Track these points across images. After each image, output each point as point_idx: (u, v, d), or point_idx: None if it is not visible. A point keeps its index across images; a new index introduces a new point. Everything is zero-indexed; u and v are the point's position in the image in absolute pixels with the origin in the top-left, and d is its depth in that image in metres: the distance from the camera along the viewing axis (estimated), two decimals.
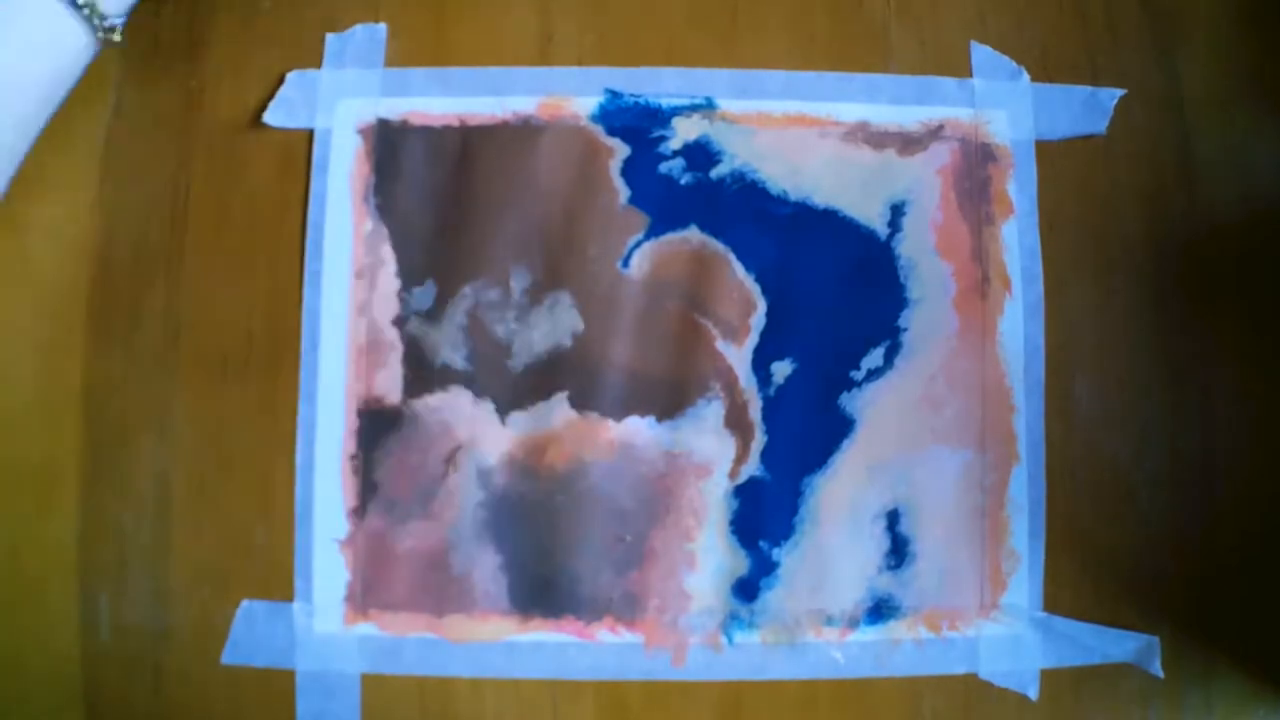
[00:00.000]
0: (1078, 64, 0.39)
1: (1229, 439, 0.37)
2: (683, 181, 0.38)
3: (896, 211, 0.38)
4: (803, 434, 0.37)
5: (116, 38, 0.34)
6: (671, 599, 0.36)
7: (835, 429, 0.37)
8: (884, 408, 0.37)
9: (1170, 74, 0.39)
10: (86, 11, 0.33)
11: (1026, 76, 0.39)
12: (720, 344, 0.37)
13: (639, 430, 0.36)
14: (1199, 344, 0.37)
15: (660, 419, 0.37)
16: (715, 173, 0.38)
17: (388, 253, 0.37)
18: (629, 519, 0.36)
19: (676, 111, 0.38)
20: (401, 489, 0.36)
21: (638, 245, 0.37)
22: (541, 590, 0.36)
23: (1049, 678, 0.36)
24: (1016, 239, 0.38)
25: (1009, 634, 0.36)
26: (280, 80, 0.38)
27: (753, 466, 0.36)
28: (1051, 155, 0.38)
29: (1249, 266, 0.38)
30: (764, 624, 0.36)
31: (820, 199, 0.38)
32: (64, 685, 0.35)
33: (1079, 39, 0.39)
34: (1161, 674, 0.35)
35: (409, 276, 0.37)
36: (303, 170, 0.38)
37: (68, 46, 0.34)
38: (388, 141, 0.38)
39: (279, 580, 0.36)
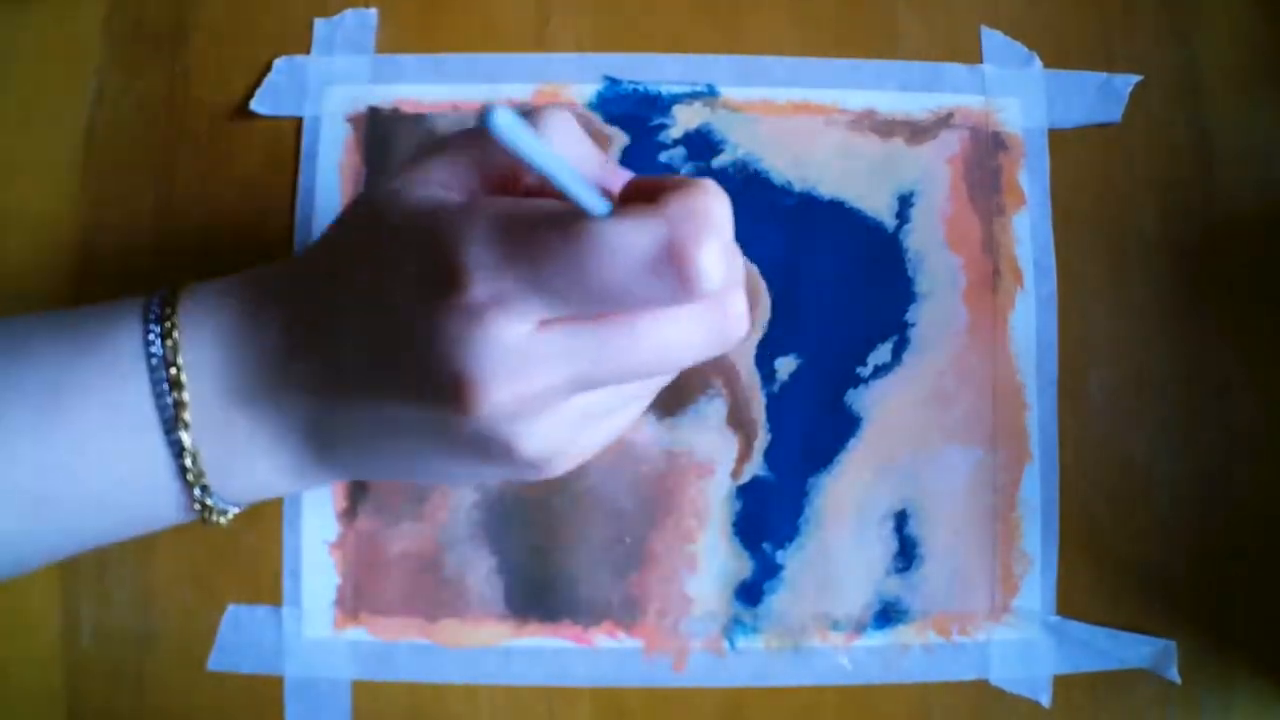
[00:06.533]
0: (1092, 49, 0.38)
1: (1249, 437, 0.36)
2: (683, 171, 0.37)
3: (904, 202, 0.37)
4: (808, 432, 0.35)
5: (222, 520, 0.27)
6: (672, 602, 0.35)
7: (841, 427, 0.36)
8: (892, 405, 0.36)
9: (1188, 59, 0.38)
10: (196, 488, 0.26)
11: (1039, 63, 0.38)
12: None
13: (638, 429, 0.35)
14: (1218, 338, 0.36)
15: (660, 417, 0.36)
16: (717, 162, 0.37)
17: None
18: (628, 520, 0.35)
19: (677, 99, 0.37)
20: (393, 490, 0.35)
21: None
22: (538, 594, 0.35)
23: (1062, 684, 0.35)
24: (1029, 231, 0.37)
25: (1021, 639, 0.35)
26: (267, 67, 0.37)
27: (756, 466, 0.35)
28: (1065, 144, 0.37)
29: (1270, 258, 0.37)
30: (768, 628, 0.35)
31: (826, 190, 0.37)
32: (45, 692, 0.34)
33: (1093, 23, 0.38)
34: (1179, 680, 0.34)
35: None
36: (291, 160, 0.37)
37: (160, 505, 0.26)
38: (379, 130, 0.37)
39: (267, 584, 0.35)
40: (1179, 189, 0.37)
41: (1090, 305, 0.36)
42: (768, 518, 0.35)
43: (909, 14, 0.38)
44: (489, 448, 0.23)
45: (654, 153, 0.37)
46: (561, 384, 0.22)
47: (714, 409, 0.36)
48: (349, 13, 0.37)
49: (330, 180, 0.36)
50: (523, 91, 0.37)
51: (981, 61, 0.38)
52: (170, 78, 0.37)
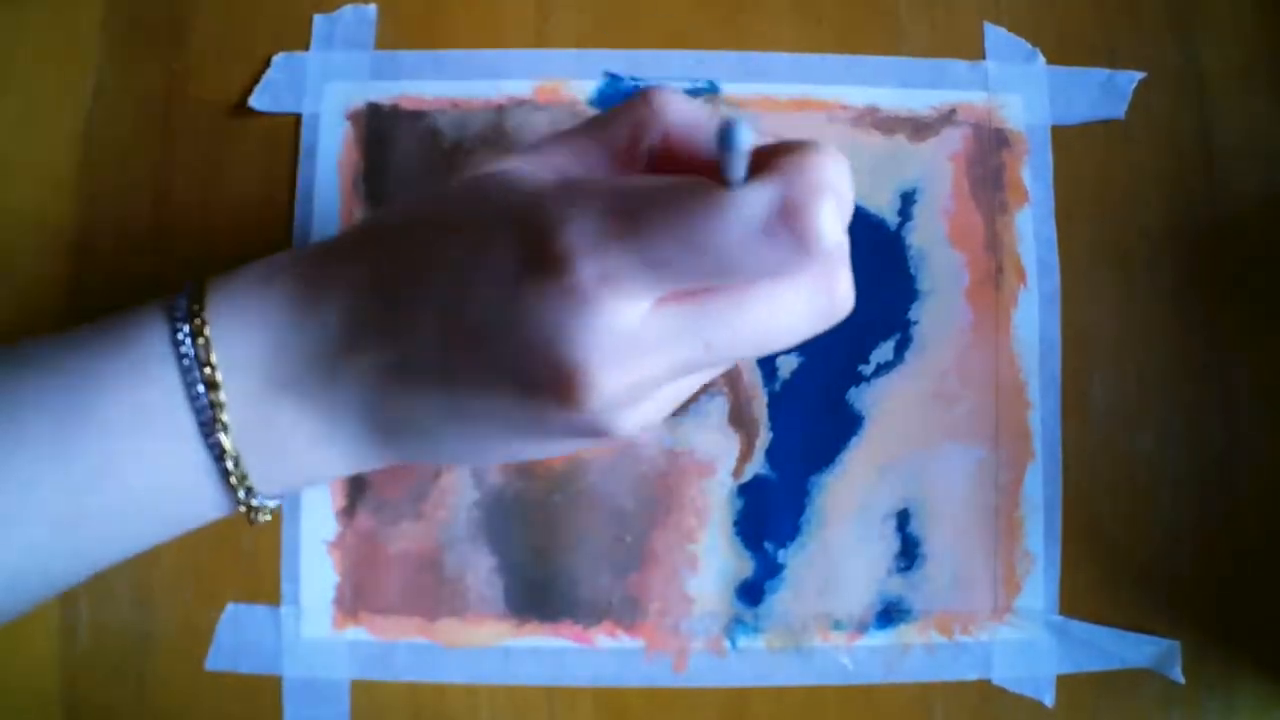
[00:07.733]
0: (1095, 46, 0.37)
1: (1253, 436, 0.35)
2: None
3: (907, 199, 0.37)
4: (810, 431, 0.35)
5: (265, 517, 0.26)
6: (673, 602, 0.35)
7: (843, 426, 0.35)
8: (894, 404, 0.35)
9: (1191, 56, 0.37)
10: (240, 491, 0.25)
11: (1042, 59, 0.37)
12: None
13: None
14: (1222, 336, 0.36)
15: None
16: None
17: None
18: (629, 519, 0.35)
19: None
20: (392, 488, 0.35)
21: None
22: (538, 593, 0.35)
23: (1065, 684, 0.35)
24: (1031, 228, 0.36)
25: (1023, 638, 0.35)
26: (266, 63, 0.37)
27: (758, 465, 0.35)
28: (1068, 141, 0.37)
29: (1273, 255, 0.36)
30: (769, 628, 0.35)
31: None
32: (42, 692, 0.34)
33: (1096, 20, 0.38)
34: (1182, 680, 0.34)
35: None
36: (290, 156, 0.36)
37: (200, 508, 0.26)
38: (378, 127, 0.37)
39: (265, 583, 0.35)
40: (1182, 186, 0.37)
41: (1093, 303, 0.36)
42: (769, 517, 0.35)
43: (911, 10, 0.38)
44: (584, 434, 0.22)
45: None
46: (673, 368, 0.21)
47: (715, 407, 0.35)
48: (348, 9, 0.37)
49: (329, 177, 0.36)
50: (523, 88, 0.37)
51: (984, 58, 0.37)
52: (169, 76, 0.37)
